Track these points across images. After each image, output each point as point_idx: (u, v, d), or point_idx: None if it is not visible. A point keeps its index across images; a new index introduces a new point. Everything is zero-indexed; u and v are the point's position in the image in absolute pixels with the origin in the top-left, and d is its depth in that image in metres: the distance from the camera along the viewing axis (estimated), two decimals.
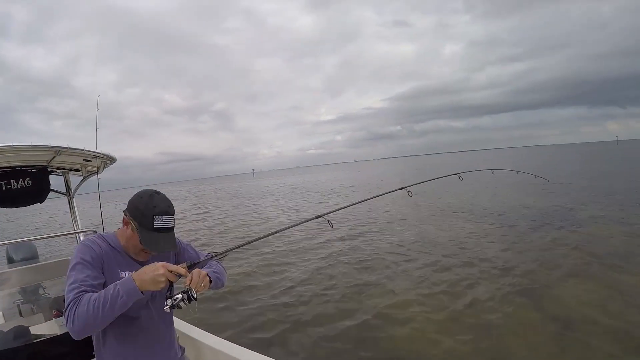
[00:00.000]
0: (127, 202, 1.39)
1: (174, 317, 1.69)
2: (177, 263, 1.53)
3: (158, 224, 1.33)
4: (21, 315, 3.02)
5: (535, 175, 4.32)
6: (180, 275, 1.25)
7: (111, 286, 1.19)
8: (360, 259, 7.97)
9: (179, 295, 1.25)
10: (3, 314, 3.07)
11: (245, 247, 8.32)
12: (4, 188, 2.60)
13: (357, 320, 4.90)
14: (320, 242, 9.75)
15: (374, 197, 2.09)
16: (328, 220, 1.73)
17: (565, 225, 9.43)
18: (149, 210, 1.33)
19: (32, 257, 3.50)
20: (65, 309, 1.16)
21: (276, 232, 1.71)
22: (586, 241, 7.78)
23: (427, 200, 16.51)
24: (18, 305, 3.09)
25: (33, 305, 3.11)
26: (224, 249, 1.56)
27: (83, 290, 1.19)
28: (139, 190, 1.42)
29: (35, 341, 2.18)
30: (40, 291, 3.31)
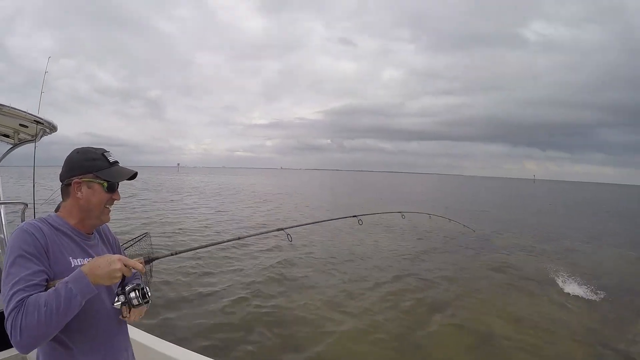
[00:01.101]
0: (62, 172, 1.29)
1: None
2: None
3: (111, 158, 1.31)
4: None
5: (464, 225, 4.80)
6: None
7: (61, 285, 1.03)
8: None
9: (133, 293, 1.19)
10: None
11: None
12: None
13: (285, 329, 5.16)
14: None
15: (329, 220, 2.41)
16: (288, 234, 1.81)
17: (484, 250, 10.70)
18: (95, 154, 1.29)
19: None
20: (7, 318, 0.98)
21: (238, 238, 1.76)
22: (501, 266, 8.87)
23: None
24: None
25: None
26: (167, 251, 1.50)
27: (27, 294, 1.01)
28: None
29: None
30: None
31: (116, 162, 1.32)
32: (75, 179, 1.24)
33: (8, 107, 2.07)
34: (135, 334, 2.26)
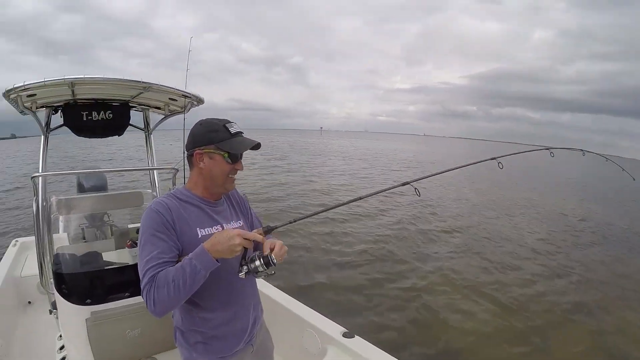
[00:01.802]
0: (187, 144, 1.34)
1: None
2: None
3: (233, 129, 1.30)
4: (84, 239, 3.25)
5: (623, 169, 3.72)
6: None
7: (186, 262, 1.13)
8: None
9: (257, 262, 1.19)
10: (68, 235, 3.35)
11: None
12: (84, 118, 2.59)
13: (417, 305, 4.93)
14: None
15: (463, 166, 2.01)
16: (415, 188, 1.61)
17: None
18: (217, 126, 1.29)
19: (102, 186, 3.66)
20: (142, 291, 1.14)
21: (359, 198, 1.59)
22: None
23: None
24: (82, 229, 3.33)
25: (97, 231, 3.35)
26: (296, 216, 1.44)
27: (158, 270, 1.14)
28: None
29: (107, 267, 2.28)
30: (105, 218, 3.52)
31: (239, 133, 1.31)
32: (197, 150, 1.30)
33: (157, 84, 2.21)
34: (264, 287, 2.53)
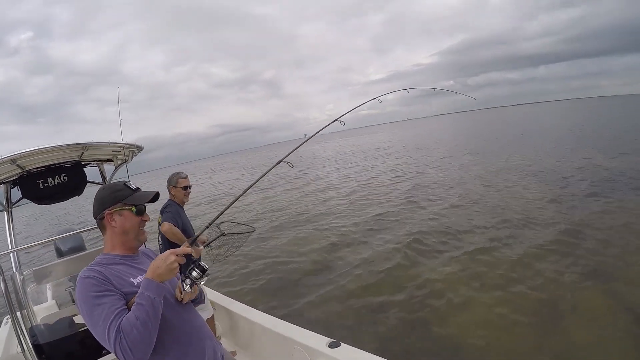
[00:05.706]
0: (94, 210, 1.42)
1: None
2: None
3: (133, 186, 1.47)
4: (73, 301, 3.23)
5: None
6: (188, 255, 1.36)
7: (139, 297, 1.20)
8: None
9: (194, 273, 1.36)
10: (56, 301, 3.33)
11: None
12: (41, 187, 2.61)
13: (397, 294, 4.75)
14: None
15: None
16: (287, 162, 1.97)
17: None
18: (119, 186, 1.45)
19: (79, 246, 3.70)
20: (114, 345, 1.11)
21: (254, 183, 1.90)
22: None
23: None
24: (70, 292, 3.35)
25: None
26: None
27: (119, 321, 1.15)
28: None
29: (80, 330, 2.32)
30: None
31: (138, 189, 1.48)
32: (107, 211, 1.39)
33: (93, 142, 2.34)
34: (246, 312, 2.61)
